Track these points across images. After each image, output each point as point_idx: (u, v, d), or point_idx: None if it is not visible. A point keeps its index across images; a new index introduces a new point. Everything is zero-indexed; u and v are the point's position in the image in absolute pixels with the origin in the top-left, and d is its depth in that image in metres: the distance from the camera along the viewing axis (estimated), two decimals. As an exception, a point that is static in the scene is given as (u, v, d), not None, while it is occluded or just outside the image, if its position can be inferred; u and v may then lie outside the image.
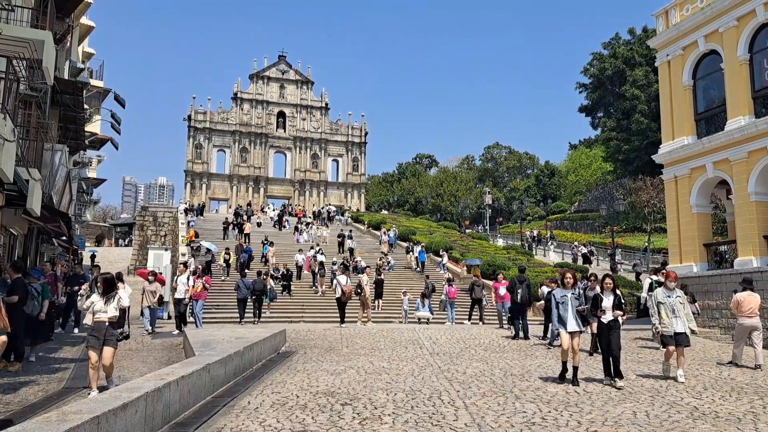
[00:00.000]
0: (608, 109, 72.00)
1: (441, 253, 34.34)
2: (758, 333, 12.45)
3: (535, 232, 54.37)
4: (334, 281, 21.69)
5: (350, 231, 41.49)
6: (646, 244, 43.73)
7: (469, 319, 23.04)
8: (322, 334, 17.21)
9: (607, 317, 9.82)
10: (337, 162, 78.06)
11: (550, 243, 47.58)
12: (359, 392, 8.84)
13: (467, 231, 54.78)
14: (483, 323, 22.48)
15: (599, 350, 16.04)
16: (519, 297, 16.64)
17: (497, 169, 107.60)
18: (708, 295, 19.47)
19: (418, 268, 32.27)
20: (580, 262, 38.63)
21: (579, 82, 76.57)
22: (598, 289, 10.65)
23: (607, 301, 9.86)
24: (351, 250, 34.36)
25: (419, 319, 23.06)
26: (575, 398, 8.51)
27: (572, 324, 9.61)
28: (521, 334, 16.39)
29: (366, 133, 79.12)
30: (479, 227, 63.28)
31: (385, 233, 44.06)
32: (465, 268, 32.13)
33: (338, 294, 20.31)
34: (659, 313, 10.56)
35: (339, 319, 20.44)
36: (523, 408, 7.84)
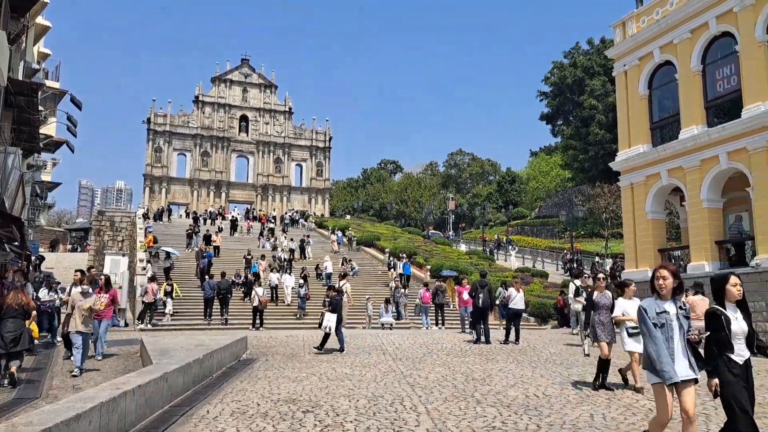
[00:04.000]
0: (567, 118, 73.49)
1: (401, 255, 34.26)
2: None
3: (496, 237, 55.11)
4: (253, 292, 23.07)
5: (308, 236, 41.18)
6: (604, 249, 44.73)
7: (437, 325, 23.23)
8: (284, 341, 17.06)
9: (742, 353, 5.30)
10: (301, 167, 77.65)
11: (511, 248, 48.24)
12: (321, 399, 8.78)
13: (431, 236, 55.13)
14: (444, 327, 22.68)
15: (510, 340, 16.18)
16: (480, 301, 16.80)
17: (460, 176, 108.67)
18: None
19: (402, 289, 26.91)
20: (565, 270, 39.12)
21: (540, 90, 78.03)
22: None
23: (738, 323, 5.32)
24: (329, 276, 30.19)
25: (383, 324, 23.08)
26: (535, 402, 8.62)
27: (683, 366, 5.15)
28: (483, 338, 16.55)
29: (330, 138, 78.94)
30: (450, 233, 63.65)
31: (334, 233, 43.86)
32: (428, 273, 32.31)
33: (255, 303, 22.16)
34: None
35: (284, 326, 21.18)
36: (484, 412, 7.90)
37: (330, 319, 14.54)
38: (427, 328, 22.83)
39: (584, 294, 17.44)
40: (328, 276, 29.73)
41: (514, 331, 16.90)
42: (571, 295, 21.13)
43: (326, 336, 14.73)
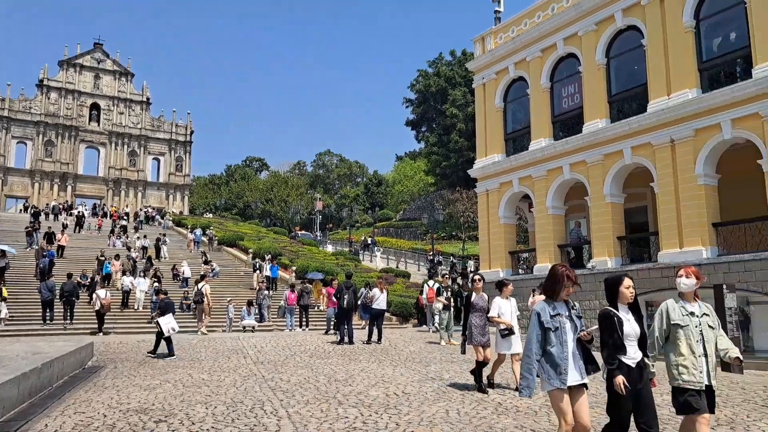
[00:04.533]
0: (431, 125, 76.51)
1: (266, 256, 33.68)
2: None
3: (363, 238, 55.98)
4: (94, 294, 21.57)
5: (164, 235, 39.11)
6: (461, 251, 47.13)
7: (301, 326, 23.05)
8: (136, 347, 16.04)
9: (634, 355, 5.22)
10: (159, 161, 73.61)
11: (376, 249, 49.24)
12: (176, 407, 8.35)
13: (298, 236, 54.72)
14: (308, 329, 22.60)
15: (373, 340, 16.68)
16: (345, 302, 16.95)
17: (328, 176, 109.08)
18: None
19: (266, 291, 25.67)
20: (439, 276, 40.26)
21: (406, 97, 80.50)
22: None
23: (630, 325, 5.25)
24: (186, 281, 28.51)
25: (244, 327, 22.49)
26: (394, 400, 8.84)
27: (574, 372, 4.97)
28: (346, 339, 16.70)
29: (192, 132, 75.64)
30: (318, 234, 63.44)
31: (191, 231, 42.19)
32: (293, 274, 32.03)
33: (97, 306, 20.70)
34: (677, 344, 5.29)
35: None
36: (346, 413, 7.97)
37: (169, 321, 14.02)
38: (290, 330, 22.60)
39: (445, 293, 18.29)
40: (185, 281, 28.38)
41: (376, 330, 17.25)
42: (424, 294, 22.20)
43: (163, 338, 14.16)
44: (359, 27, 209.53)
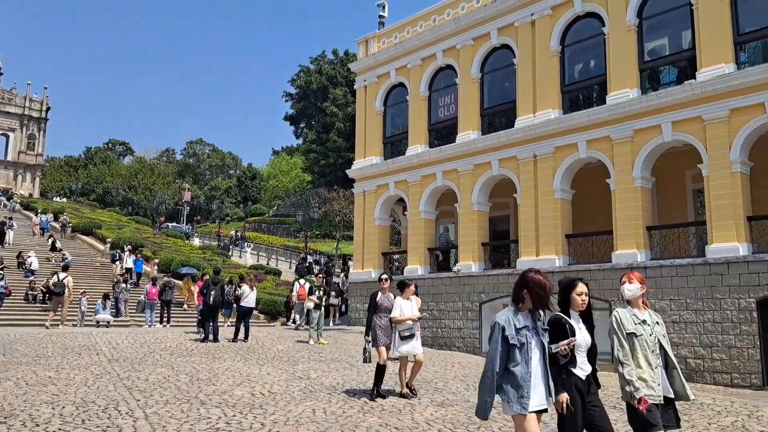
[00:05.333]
0: (310, 122, 76.12)
1: (125, 246, 31.64)
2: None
3: (233, 232, 54.41)
4: None
5: (10, 218, 35.57)
6: (335, 250, 47.37)
7: (161, 322, 21.91)
8: (-30, 341, 14.38)
9: (584, 366, 4.94)
10: (8, 137, 66.72)
11: (246, 245, 48.07)
12: (17, 408, 7.60)
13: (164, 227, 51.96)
14: (169, 325, 21.59)
15: (239, 338, 16.33)
16: (212, 299, 16.38)
17: (199, 166, 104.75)
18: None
19: (124, 284, 24.24)
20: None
21: (286, 91, 79.48)
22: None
23: (581, 334, 4.95)
24: (33, 273, 25.85)
25: (98, 322, 20.98)
26: (260, 400, 8.69)
27: (537, 396, 4.41)
28: (211, 336, 16.14)
29: (48, 108, 69.39)
30: (186, 227, 60.50)
31: (37, 215, 39.02)
32: (156, 267, 30.41)
33: None
34: (633, 355, 5.06)
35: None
36: (208, 414, 7.70)
37: None
38: (150, 326, 21.41)
39: (318, 292, 18.24)
40: (32, 272, 25.92)
41: (244, 328, 16.85)
42: (295, 292, 22.10)
43: None
44: (242, 14, 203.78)
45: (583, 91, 18.38)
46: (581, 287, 4.98)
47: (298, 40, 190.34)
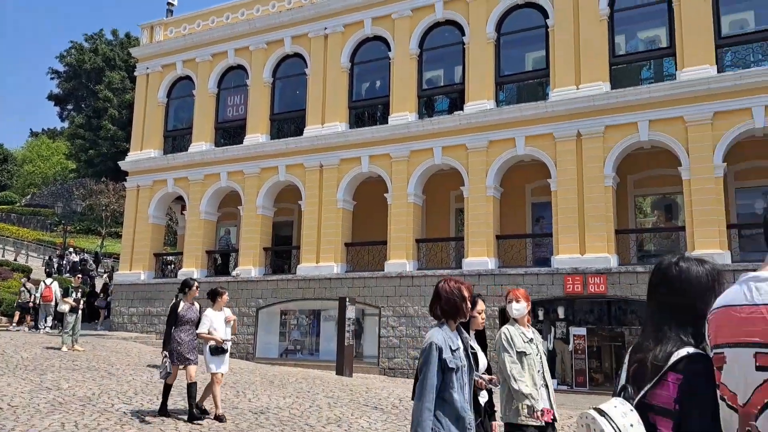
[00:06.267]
0: (80, 105, 68.67)
1: None
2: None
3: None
4: None
5: None
6: (99, 248, 43.21)
7: None
8: None
9: (483, 394, 4.75)
10: None
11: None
12: None
13: None
14: None
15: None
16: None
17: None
18: (151, 302, 20.60)
19: None
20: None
21: (53, 67, 70.73)
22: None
23: (481, 357, 4.89)
24: None
25: None
26: (-4, 416, 7.57)
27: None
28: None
29: None
30: None
31: None
32: None
33: None
34: (524, 371, 4.91)
35: None
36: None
37: None
38: None
39: (75, 294, 16.41)
40: None
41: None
42: (39, 293, 19.67)
43: None
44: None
45: (369, 109, 19.42)
46: (481, 305, 4.72)
47: (71, 11, 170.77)
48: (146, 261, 21.49)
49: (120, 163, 23.62)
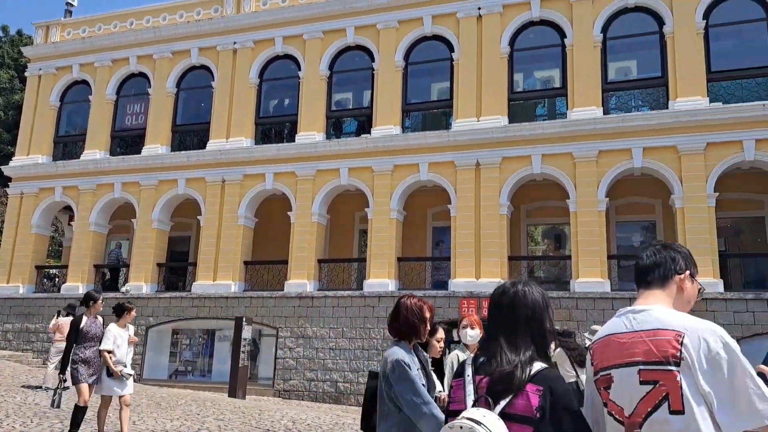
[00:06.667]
0: (-40, 102, 63.17)
1: None
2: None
3: None
4: None
5: None
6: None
7: None
8: None
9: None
10: None
11: None
12: None
13: None
14: None
15: None
16: None
17: None
18: (29, 318, 19.12)
19: None
20: None
21: (-71, 59, 64.68)
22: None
23: (438, 385, 4.60)
24: None
25: None
26: None
27: None
28: None
29: None
30: None
31: None
32: None
33: None
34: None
35: None
36: None
37: None
38: None
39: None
40: None
41: None
42: None
43: None
44: None
45: (276, 126, 19.29)
46: (441, 333, 4.66)
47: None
48: (26, 274, 19.97)
49: (3, 167, 21.91)
